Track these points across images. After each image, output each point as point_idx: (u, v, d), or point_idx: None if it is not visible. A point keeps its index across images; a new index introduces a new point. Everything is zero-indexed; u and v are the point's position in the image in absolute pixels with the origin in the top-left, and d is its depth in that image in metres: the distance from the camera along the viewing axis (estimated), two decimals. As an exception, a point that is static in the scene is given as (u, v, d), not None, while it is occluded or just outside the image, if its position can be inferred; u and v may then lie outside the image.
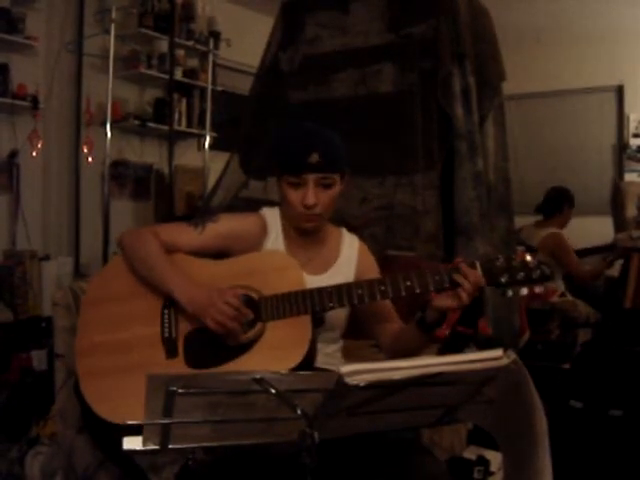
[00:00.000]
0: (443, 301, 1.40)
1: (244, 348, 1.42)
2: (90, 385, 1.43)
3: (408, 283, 1.40)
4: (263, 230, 1.61)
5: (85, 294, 1.61)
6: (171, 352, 1.44)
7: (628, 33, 5.44)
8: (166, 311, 1.48)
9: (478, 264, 1.40)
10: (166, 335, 1.46)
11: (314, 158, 1.46)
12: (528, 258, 1.40)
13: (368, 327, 1.68)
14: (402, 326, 1.61)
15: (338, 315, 1.57)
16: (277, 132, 1.58)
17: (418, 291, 1.40)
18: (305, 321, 1.43)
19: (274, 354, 1.40)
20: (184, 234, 1.57)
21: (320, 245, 1.64)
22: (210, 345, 1.43)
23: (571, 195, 4.05)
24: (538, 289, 1.40)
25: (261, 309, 1.45)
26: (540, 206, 4.06)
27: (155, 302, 1.49)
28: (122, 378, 1.39)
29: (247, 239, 1.59)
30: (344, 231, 1.71)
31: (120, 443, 0.95)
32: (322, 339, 1.55)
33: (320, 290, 1.43)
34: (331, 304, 1.43)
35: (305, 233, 1.60)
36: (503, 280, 1.39)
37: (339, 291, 1.43)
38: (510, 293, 1.40)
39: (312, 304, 1.43)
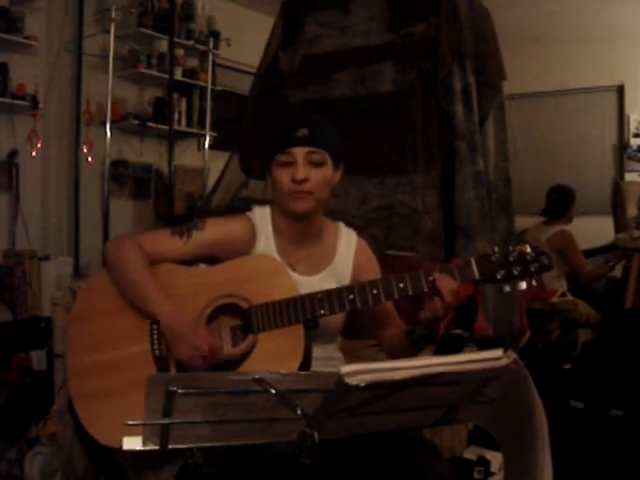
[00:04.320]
0: (427, 313, 1.38)
1: (237, 362, 1.40)
2: (84, 408, 1.41)
3: (401, 285, 1.37)
4: (252, 233, 1.56)
5: (72, 308, 1.56)
6: (163, 370, 1.42)
7: (628, 33, 5.44)
8: (155, 326, 1.45)
9: (473, 260, 1.37)
10: (157, 353, 1.43)
11: (302, 132, 1.46)
12: (527, 250, 1.36)
13: (368, 330, 1.65)
14: (398, 332, 1.58)
15: (333, 319, 1.51)
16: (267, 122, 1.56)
17: (411, 293, 1.37)
18: (298, 330, 1.40)
19: (268, 367, 1.36)
20: (169, 244, 1.52)
21: (314, 242, 1.59)
22: None
23: (571, 191, 4.03)
24: (535, 281, 1.36)
25: (252, 320, 1.42)
26: (544, 210, 4.05)
27: (143, 316, 1.46)
28: (116, 399, 1.37)
29: (235, 244, 1.55)
30: (341, 226, 1.66)
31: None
32: (318, 342, 1.50)
33: (311, 297, 1.40)
34: (322, 311, 1.40)
35: (298, 224, 1.54)
36: (499, 276, 1.36)
37: (330, 297, 1.40)
38: (507, 288, 1.37)
39: (303, 313, 1.40)
